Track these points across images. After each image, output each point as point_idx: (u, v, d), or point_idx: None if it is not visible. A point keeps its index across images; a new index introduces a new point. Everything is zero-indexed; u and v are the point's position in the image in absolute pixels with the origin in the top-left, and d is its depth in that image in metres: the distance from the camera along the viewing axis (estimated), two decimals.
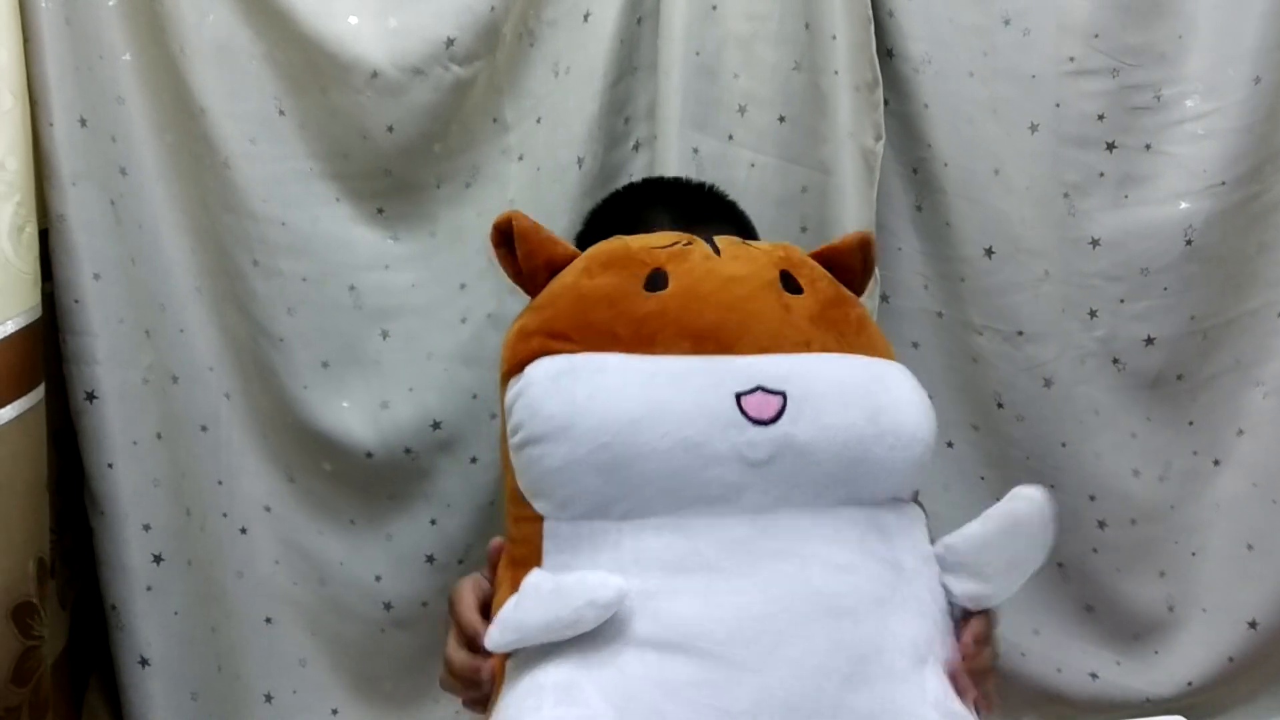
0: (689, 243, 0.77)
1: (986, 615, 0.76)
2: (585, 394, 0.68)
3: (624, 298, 0.72)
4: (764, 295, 0.73)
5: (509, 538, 0.76)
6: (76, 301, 1.16)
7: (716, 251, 0.77)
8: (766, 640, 0.65)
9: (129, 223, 1.22)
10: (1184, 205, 1.34)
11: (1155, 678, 1.41)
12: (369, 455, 1.31)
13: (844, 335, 0.75)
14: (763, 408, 0.68)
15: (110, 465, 1.18)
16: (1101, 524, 1.39)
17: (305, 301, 1.28)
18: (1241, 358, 1.40)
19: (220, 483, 1.31)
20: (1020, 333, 1.34)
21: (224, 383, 1.30)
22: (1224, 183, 1.33)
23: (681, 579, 0.67)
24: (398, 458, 1.32)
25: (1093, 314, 1.36)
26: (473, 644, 0.78)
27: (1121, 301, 1.36)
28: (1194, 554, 1.43)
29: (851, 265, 0.83)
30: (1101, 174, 1.34)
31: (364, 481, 1.33)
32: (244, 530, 1.32)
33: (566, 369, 0.70)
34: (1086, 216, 1.35)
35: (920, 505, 0.79)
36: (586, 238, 1.12)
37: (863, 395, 0.71)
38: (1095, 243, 1.35)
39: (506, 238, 0.78)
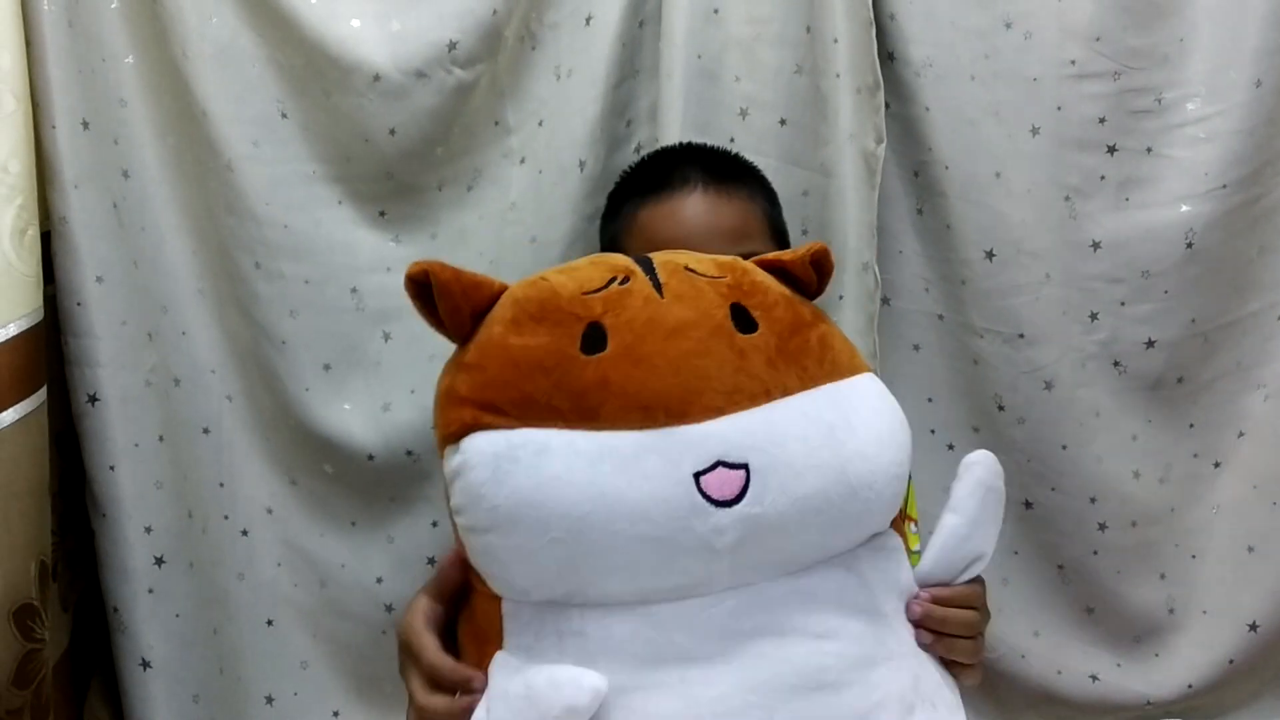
0: (626, 278, 0.69)
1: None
2: (530, 484, 0.63)
3: (560, 364, 0.65)
4: (714, 345, 0.66)
5: (469, 608, 0.72)
6: (79, 304, 1.16)
7: (659, 288, 0.69)
8: None
9: (131, 225, 1.22)
10: (1185, 208, 1.34)
11: (1156, 680, 1.41)
12: (370, 457, 1.31)
13: (805, 369, 0.69)
14: (725, 487, 0.63)
15: (112, 468, 1.18)
16: (1102, 526, 1.39)
17: (307, 304, 1.28)
18: (1242, 360, 1.40)
19: (222, 485, 1.31)
20: (1021, 335, 1.34)
21: (226, 385, 1.30)
22: (1225, 186, 1.33)
23: (655, 673, 0.64)
24: (399, 460, 1.31)
25: (1094, 316, 1.36)
26: (442, 682, 0.72)
27: (1122, 304, 1.36)
28: (1194, 556, 1.43)
29: (805, 278, 0.76)
30: (1103, 177, 1.34)
31: (365, 483, 1.33)
32: (245, 532, 1.32)
33: (505, 452, 0.64)
34: (1088, 219, 1.35)
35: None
36: (616, 198, 1.14)
37: (830, 449, 0.66)
38: (1096, 245, 1.35)
39: (424, 290, 0.71)
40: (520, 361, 0.66)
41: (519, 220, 1.30)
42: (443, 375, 0.73)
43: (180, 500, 1.25)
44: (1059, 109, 1.32)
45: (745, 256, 1.01)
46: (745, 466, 0.63)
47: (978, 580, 0.77)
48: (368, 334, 1.30)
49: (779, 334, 0.69)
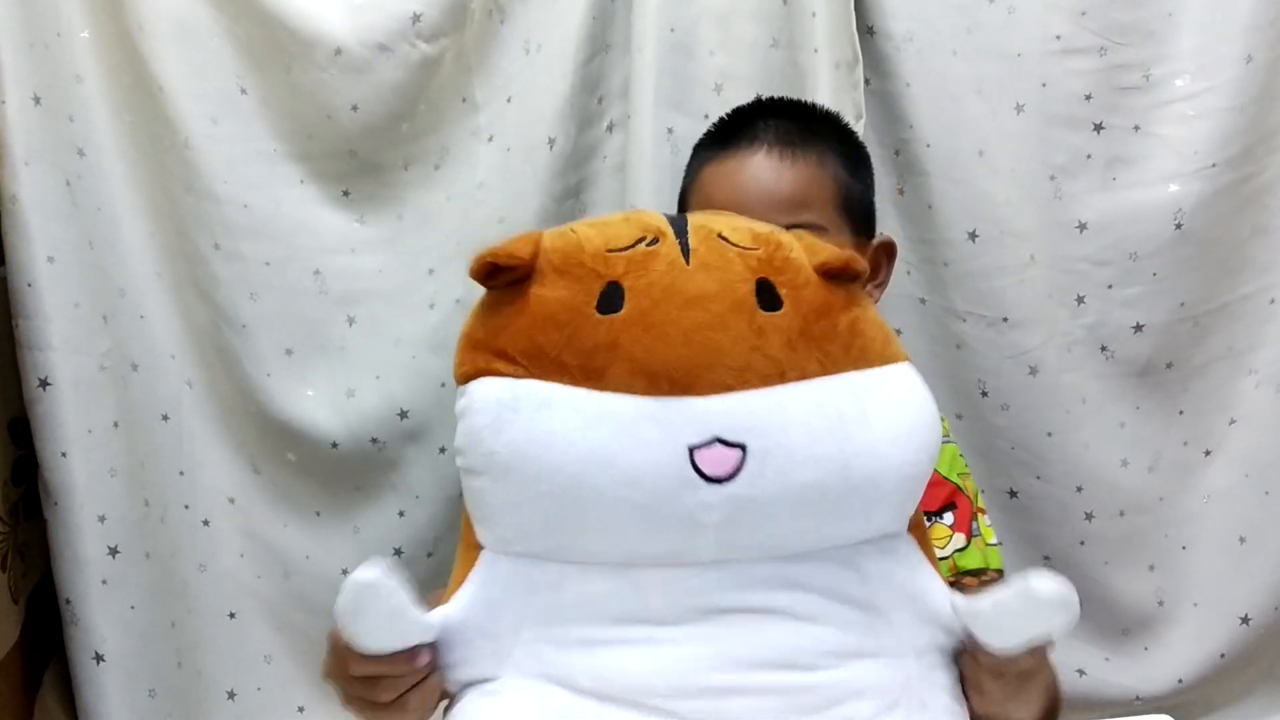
0: (655, 240, 0.67)
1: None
2: (527, 436, 0.62)
3: (573, 320, 0.64)
4: (732, 320, 0.64)
5: (463, 543, 0.71)
6: (29, 285, 1.12)
7: (687, 253, 0.67)
8: (711, 695, 0.63)
9: (86, 205, 1.18)
10: (1174, 188, 1.30)
11: (1145, 674, 1.38)
12: (334, 445, 1.28)
13: (829, 354, 0.65)
14: (718, 464, 0.61)
15: (64, 454, 1.15)
16: (1089, 516, 1.36)
17: (268, 286, 1.25)
18: (1234, 345, 1.36)
19: (182, 473, 1.27)
20: (1005, 319, 1.31)
21: (185, 371, 1.27)
22: (1215, 164, 1.29)
23: (624, 629, 0.65)
24: (364, 448, 1.29)
25: (1080, 300, 1.33)
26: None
27: (1110, 287, 1.33)
28: (1184, 547, 1.39)
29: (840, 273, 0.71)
30: (1089, 156, 1.31)
31: (330, 472, 1.30)
32: (206, 522, 1.29)
33: (508, 400, 0.63)
34: (1073, 199, 1.31)
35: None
36: (696, 149, 1.08)
37: (835, 441, 0.63)
38: (1082, 226, 1.31)
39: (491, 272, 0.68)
40: (536, 312, 0.65)
41: (487, 200, 1.27)
42: (468, 317, 0.71)
43: (136, 489, 1.22)
44: (1044, 85, 1.29)
45: (802, 228, 0.96)
46: (743, 447, 0.61)
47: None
48: (331, 318, 1.28)
49: (804, 315, 0.66)
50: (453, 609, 0.67)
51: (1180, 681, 1.37)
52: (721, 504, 0.62)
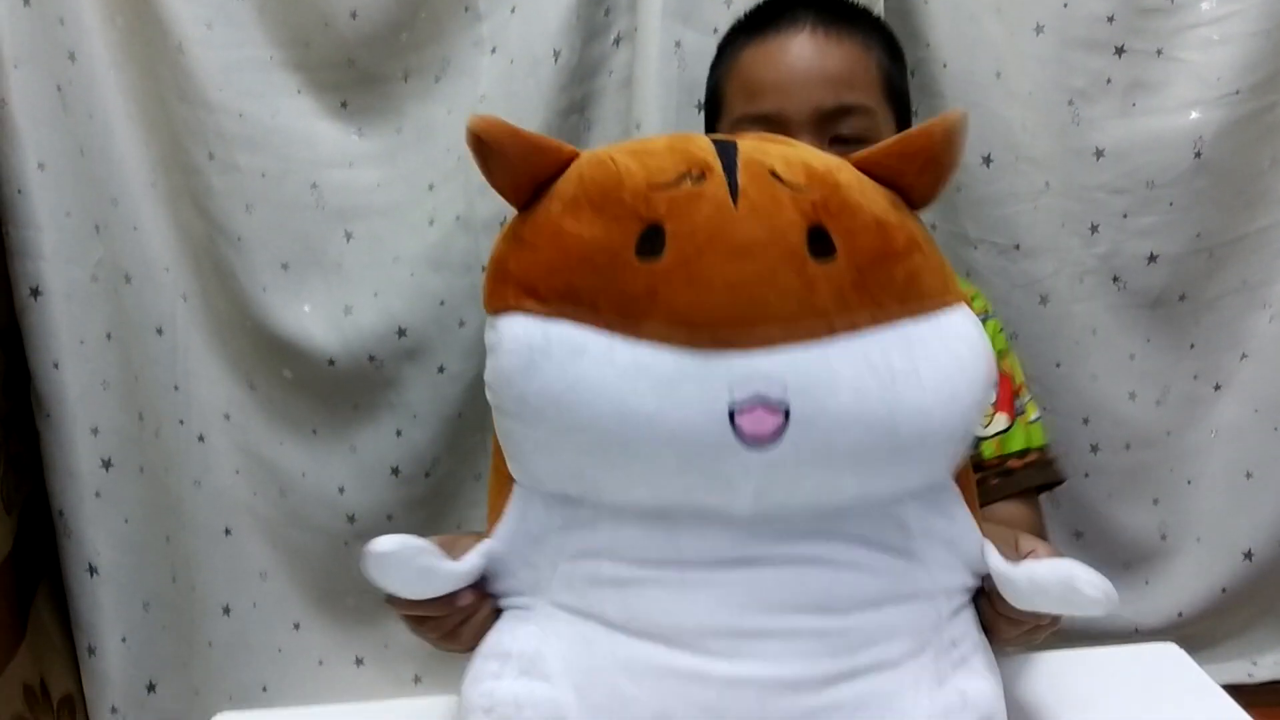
0: (701, 175, 0.62)
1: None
2: (560, 384, 0.60)
3: (611, 264, 0.60)
4: (781, 271, 0.59)
5: (494, 468, 0.70)
6: (19, 192, 1.10)
7: (735, 193, 0.61)
8: (742, 635, 0.62)
9: (78, 111, 1.15)
10: (1194, 115, 1.27)
11: (1145, 608, 1.37)
12: (331, 362, 1.26)
13: (882, 305, 0.61)
14: (759, 427, 0.58)
15: (56, 365, 1.13)
16: (1094, 448, 1.34)
17: (264, 199, 1.22)
18: (1249, 278, 1.34)
19: (176, 388, 1.26)
20: (1017, 246, 1.28)
21: (180, 284, 1.25)
22: (1238, 91, 1.26)
23: (659, 572, 0.63)
24: (361, 366, 1.26)
25: (1094, 229, 1.30)
26: None
27: (1124, 216, 1.30)
28: (1189, 481, 1.38)
29: (906, 181, 0.65)
30: (1109, 80, 1.27)
31: (327, 390, 1.28)
32: (201, 438, 1.27)
33: (540, 344, 0.60)
34: (1091, 125, 1.28)
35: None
36: (723, 44, 1.05)
37: (884, 403, 0.59)
38: (1099, 153, 1.28)
39: (483, 146, 0.64)
40: (571, 250, 0.62)
41: (489, 114, 1.23)
42: (498, 240, 0.67)
43: (130, 402, 1.20)
44: (1065, 6, 1.25)
45: (850, 109, 0.92)
46: (786, 411, 0.58)
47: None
48: (328, 233, 1.25)
49: (859, 264, 0.61)
50: (495, 542, 0.67)
51: (1180, 615, 1.37)
52: (761, 469, 0.59)
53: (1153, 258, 1.31)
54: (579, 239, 0.61)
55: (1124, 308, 1.33)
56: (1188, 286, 1.33)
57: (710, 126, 1.08)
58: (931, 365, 0.61)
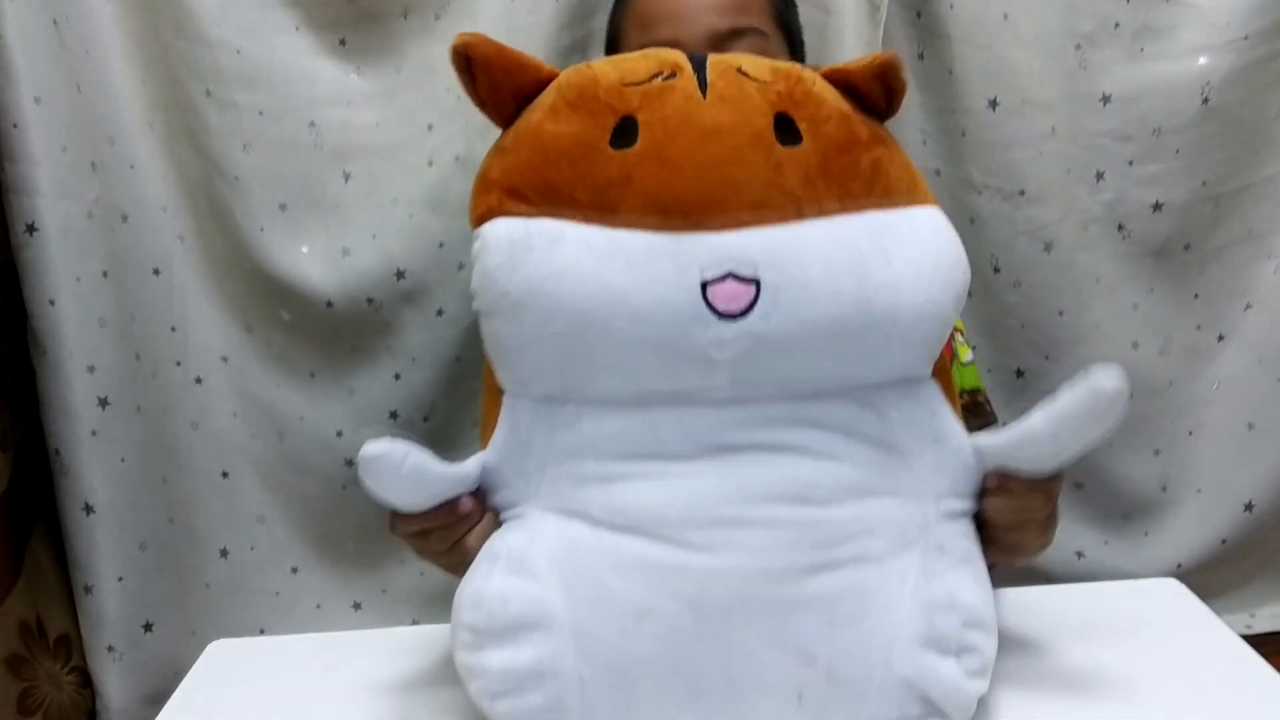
0: (671, 74, 0.66)
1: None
2: (540, 273, 0.62)
3: (586, 155, 0.64)
4: (749, 154, 0.63)
5: (486, 387, 0.72)
6: (15, 126, 1.09)
7: (704, 87, 0.65)
8: (723, 526, 0.64)
9: (74, 47, 1.14)
10: (1203, 60, 1.25)
11: (1143, 558, 1.37)
12: (329, 304, 1.25)
13: (849, 191, 0.64)
14: (732, 300, 0.61)
15: (52, 302, 1.12)
16: None
17: (262, 137, 1.21)
18: (1254, 228, 1.33)
19: (173, 329, 1.25)
20: (1022, 192, 1.27)
21: (177, 224, 1.24)
22: (1247, 37, 1.24)
23: (640, 465, 0.66)
24: (360, 308, 1.26)
25: (1099, 176, 1.29)
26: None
27: (1130, 163, 1.28)
28: (1191, 432, 1.38)
29: (871, 93, 0.68)
30: (1117, 25, 1.26)
31: (324, 333, 1.27)
32: (199, 380, 1.27)
33: (521, 239, 0.63)
34: (1098, 70, 1.26)
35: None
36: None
37: (854, 277, 0.62)
38: (1106, 99, 1.27)
39: (469, 64, 0.69)
40: (549, 148, 0.65)
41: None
42: (484, 159, 0.70)
43: (127, 341, 1.19)
44: None
45: (743, 31, 0.94)
46: (756, 282, 0.61)
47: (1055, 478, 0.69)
48: (326, 173, 1.24)
49: (824, 151, 0.65)
50: (489, 454, 0.69)
51: (1179, 566, 1.36)
52: (735, 340, 0.61)
53: (1158, 206, 1.30)
54: (556, 136, 0.65)
55: (1128, 256, 1.32)
56: (1193, 235, 1.32)
57: None
58: (900, 248, 0.63)
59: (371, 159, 1.24)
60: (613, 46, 1.05)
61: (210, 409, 1.28)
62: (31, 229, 1.11)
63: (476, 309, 0.67)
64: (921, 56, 1.27)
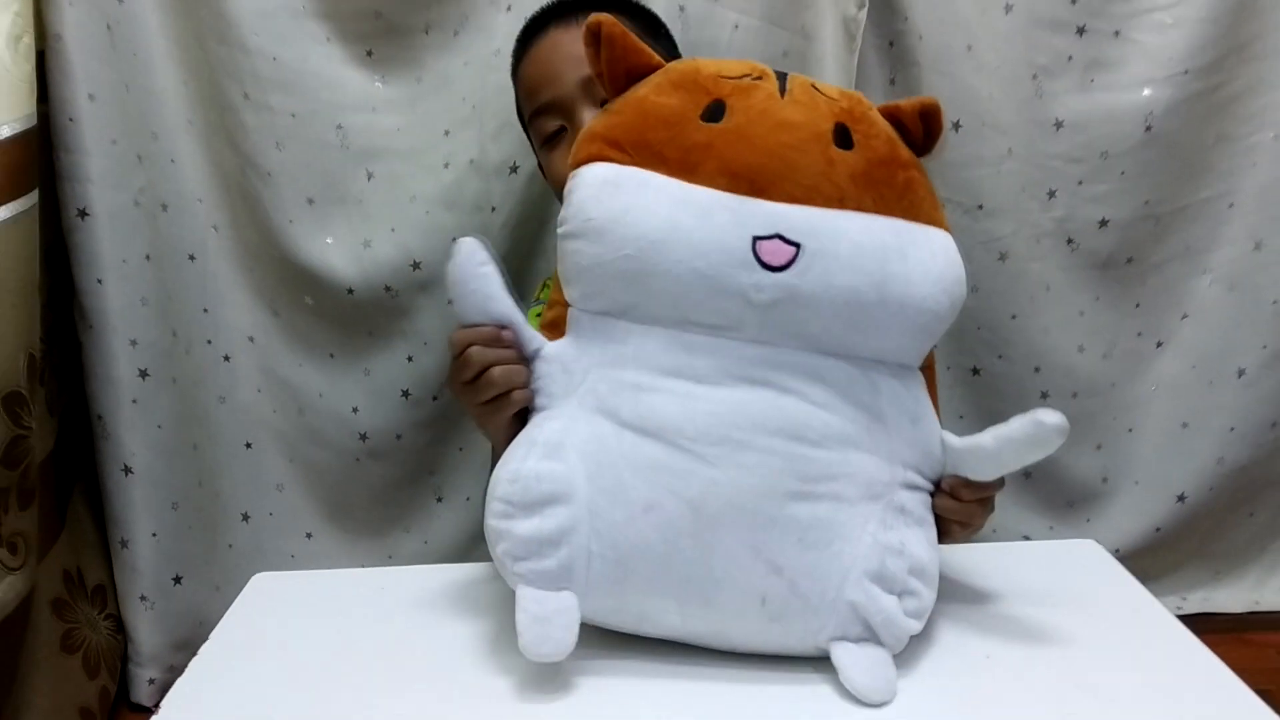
0: (760, 76, 0.79)
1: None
2: (622, 206, 0.74)
3: (680, 123, 0.76)
4: (810, 146, 0.75)
5: (550, 301, 0.83)
6: (70, 120, 1.20)
7: (783, 92, 0.78)
8: (729, 445, 0.74)
9: (124, 49, 1.24)
10: (1147, 92, 1.38)
11: None
12: (350, 291, 1.35)
13: (884, 197, 0.76)
14: (775, 254, 0.72)
15: (100, 281, 1.23)
16: (1044, 395, 1.46)
17: (293, 137, 1.31)
18: (1192, 245, 1.45)
19: (206, 310, 1.36)
20: (980, 206, 1.40)
21: (212, 214, 1.35)
22: (1187, 71, 1.37)
23: (670, 382, 0.76)
24: (378, 295, 1.36)
25: (1051, 194, 1.41)
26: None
27: (1080, 183, 1.41)
28: (1130, 430, 1.50)
29: (914, 129, 0.80)
30: (1070, 58, 1.38)
31: (344, 317, 1.37)
32: (227, 358, 1.38)
33: (612, 179, 0.75)
34: (1052, 98, 1.39)
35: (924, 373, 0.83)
36: (513, 78, 1.15)
37: (876, 261, 0.74)
38: (1059, 125, 1.39)
39: (597, 39, 0.80)
40: (650, 114, 0.77)
41: (502, 67, 1.31)
42: (590, 120, 0.83)
43: (165, 319, 1.30)
44: None
45: None
46: (798, 246, 0.73)
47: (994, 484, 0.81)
48: (351, 171, 1.34)
49: (870, 160, 0.76)
50: (550, 345, 0.79)
51: (1118, 551, 1.46)
52: (771, 288, 0.73)
53: (1104, 222, 1.42)
54: (658, 105, 0.78)
55: (1076, 267, 1.44)
56: (1135, 250, 1.44)
57: (528, 137, 1.17)
58: (916, 252, 0.76)
59: (392, 160, 1.34)
60: (522, 121, 1.15)
61: (237, 384, 1.39)
62: (83, 214, 1.21)
63: (560, 234, 0.78)
64: (893, 82, 1.40)
